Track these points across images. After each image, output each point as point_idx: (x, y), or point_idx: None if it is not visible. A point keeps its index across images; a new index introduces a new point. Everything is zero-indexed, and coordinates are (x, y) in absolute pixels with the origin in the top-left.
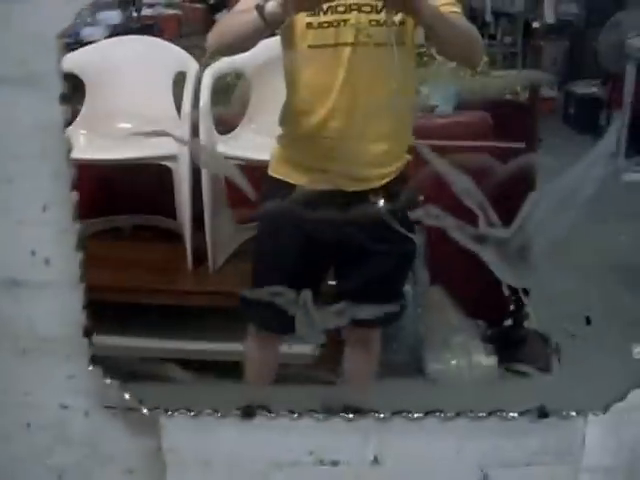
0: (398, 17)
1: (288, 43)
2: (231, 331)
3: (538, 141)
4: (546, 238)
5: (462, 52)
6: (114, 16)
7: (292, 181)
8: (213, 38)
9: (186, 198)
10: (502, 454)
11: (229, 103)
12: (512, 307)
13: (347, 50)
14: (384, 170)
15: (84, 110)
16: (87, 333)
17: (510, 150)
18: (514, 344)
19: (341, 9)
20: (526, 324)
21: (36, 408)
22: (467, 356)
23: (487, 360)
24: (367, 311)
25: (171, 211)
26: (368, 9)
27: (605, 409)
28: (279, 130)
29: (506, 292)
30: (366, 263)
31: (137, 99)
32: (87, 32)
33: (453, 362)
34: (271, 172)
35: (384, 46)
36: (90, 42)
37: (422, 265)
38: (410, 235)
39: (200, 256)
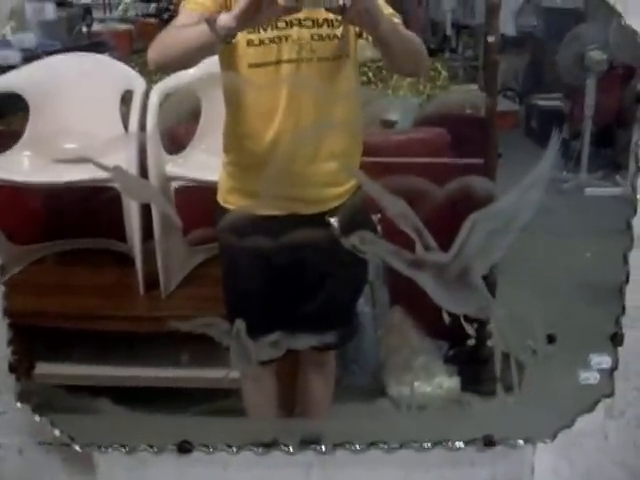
0: (340, 30)
1: (227, 62)
2: (184, 357)
3: (498, 156)
4: (486, 262)
5: (411, 64)
6: (30, 38)
7: (243, 209)
8: (156, 52)
9: (135, 221)
10: None
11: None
12: (474, 326)
13: (290, 67)
14: (338, 190)
15: (28, 131)
16: (12, 369)
17: (468, 166)
18: (477, 363)
19: (282, 25)
20: (489, 343)
21: None
22: (429, 377)
23: (449, 381)
24: (302, 341)
25: (121, 234)
26: (309, 24)
27: (553, 436)
28: (224, 157)
29: (447, 319)
30: (320, 286)
31: (83, 119)
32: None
33: (415, 384)
34: (221, 202)
35: (328, 61)
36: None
37: (382, 285)
38: (363, 257)
39: (152, 280)
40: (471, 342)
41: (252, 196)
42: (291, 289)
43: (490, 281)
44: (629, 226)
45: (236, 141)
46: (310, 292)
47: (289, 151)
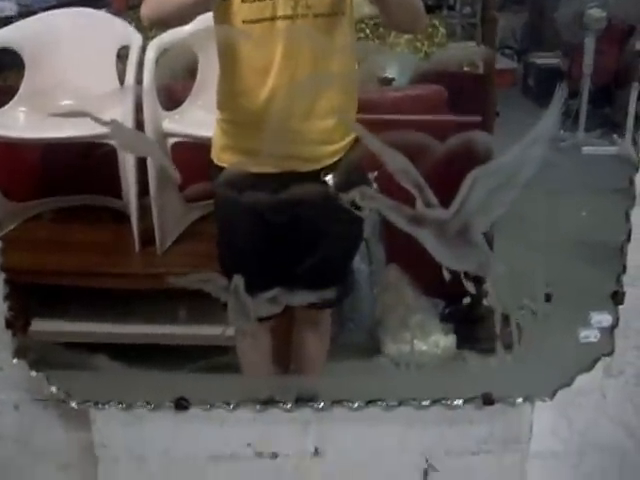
0: None
1: (221, 19)
2: (181, 314)
3: (495, 114)
4: (487, 219)
5: (408, 20)
6: None
7: (238, 167)
8: (149, 9)
9: (131, 177)
10: (447, 443)
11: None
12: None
13: (285, 23)
14: (334, 147)
15: (23, 87)
16: (9, 325)
17: (466, 124)
18: (472, 322)
19: None
20: (485, 301)
21: None
22: (425, 336)
23: (445, 339)
24: (301, 297)
25: (117, 191)
26: None
27: (552, 395)
28: (218, 114)
29: (447, 276)
30: (315, 243)
31: (79, 74)
32: None
33: (411, 342)
34: (215, 159)
35: (323, 17)
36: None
37: (378, 243)
38: (359, 214)
39: (148, 237)
40: (467, 300)
41: (247, 153)
42: (286, 247)
43: (487, 239)
44: (631, 183)
45: (230, 98)
46: (305, 250)
47: (284, 108)
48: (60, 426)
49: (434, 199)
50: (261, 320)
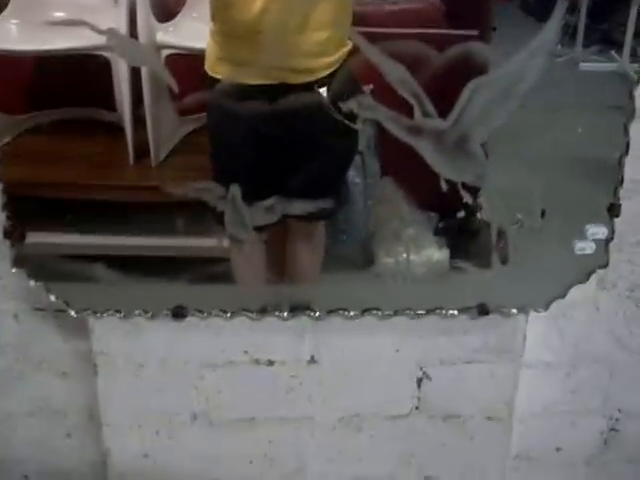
0: None
1: None
2: (175, 226)
3: (492, 29)
4: (485, 129)
5: None
6: None
7: (231, 79)
8: None
9: (125, 89)
10: (442, 352)
11: None
12: (464, 199)
13: None
14: (328, 59)
15: None
16: (7, 234)
17: (462, 38)
18: (466, 236)
19: None
20: (479, 215)
21: None
22: (419, 249)
23: (439, 253)
24: (298, 207)
25: (111, 103)
26: None
27: (546, 306)
28: (211, 25)
29: (444, 187)
30: (309, 157)
31: None
32: None
33: (404, 255)
34: (209, 71)
35: None
36: None
37: (373, 156)
38: (353, 126)
39: (142, 150)
40: (461, 214)
41: (240, 65)
42: (280, 159)
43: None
44: (630, 97)
45: (223, 9)
46: (299, 161)
47: (277, 20)
48: (59, 335)
49: (432, 109)
50: (256, 230)
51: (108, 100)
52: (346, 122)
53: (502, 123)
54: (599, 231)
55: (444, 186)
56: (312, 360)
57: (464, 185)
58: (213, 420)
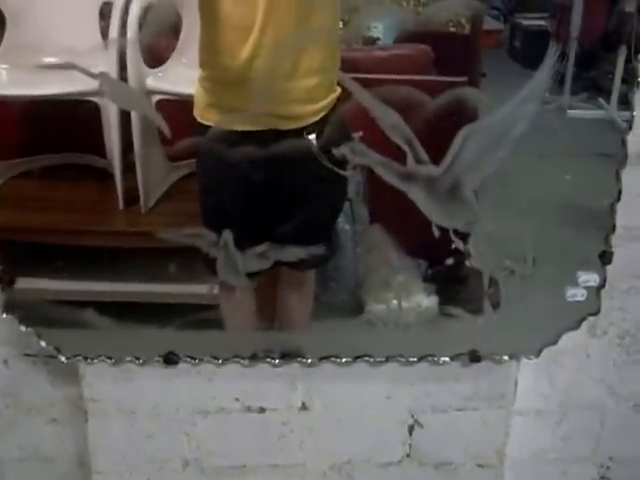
0: None
1: None
2: (164, 272)
3: (481, 75)
4: (477, 176)
5: None
6: None
7: (220, 125)
8: None
9: (115, 135)
10: (433, 399)
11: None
12: (453, 246)
13: None
14: (317, 105)
15: (5, 43)
16: None
17: (452, 84)
18: (455, 283)
19: None
20: (468, 263)
21: None
22: (408, 296)
23: (428, 300)
24: (291, 253)
25: (101, 149)
26: None
27: (538, 353)
28: (200, 72)
29: (436, 233)
30: (299, 204)
31: (62, 32)
32: None
33: (394, 302)
34: (198, 118)
35: None
36: None
37: (361, 203)
38: (342, 173)
39: (132, 196)
40: (450, 262)
41: (229, 111)
42: (270, 205)
43: None
44: (623, 144)
45: (212, 56)
46: (290, 208)
47: (266, 67)
48: (49, 381)
49: (425, 155)
50: (248, 277)
51: (98, 146)
52: (335, 169)
53: (494, 169)
54: (590, 278)
55: (436, 232)
56: (303, 407)
57: (455, 231)
58: (204, 467)
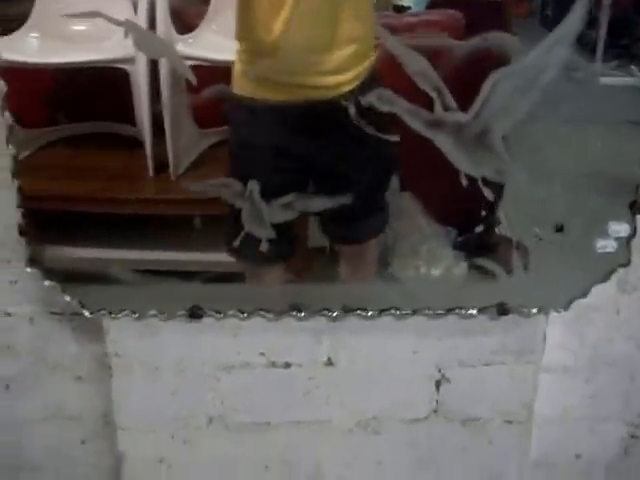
0: None
1: None
2: (193, 240)
3: None
4: (506, 122)
5: None
6: None
7: (258, 97)
8: None
9: (145, 102)
10: (460, 354)
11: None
12: (484, 213)
13: None
14: (352, 74)
15: (35, 11)
16: (22, 233)
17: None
18: (485, 251)
19: None
20: (497, 230)
21: None
22: (436, 263)
23: (457, 268)
24: (318, 203)
25: (131, 117)
26: None
27: (567, 306)
28: (237, 45)
29: (464, 182)
30: (345, 174)
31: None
32: None
33: (422, 270)
34: (235, 89)
35: None
36: None
37: None
38: (384, 137)
39: (161, 163)
40: (480, 229)
41: (265, 83)
42: (315, 182)
43: None
44: None
45: (247, 29)
46: (335, 183)
47: (300, 39)
48: (74, 339)
49: (453, 102)
50: (275, 260)
51: (128, 114)
52: (376, 133)
53: (523, 116)
54: (621, 229)
55: (464, 182)
56: (329, 362)
57: (485, 182)
58: (229, 424)
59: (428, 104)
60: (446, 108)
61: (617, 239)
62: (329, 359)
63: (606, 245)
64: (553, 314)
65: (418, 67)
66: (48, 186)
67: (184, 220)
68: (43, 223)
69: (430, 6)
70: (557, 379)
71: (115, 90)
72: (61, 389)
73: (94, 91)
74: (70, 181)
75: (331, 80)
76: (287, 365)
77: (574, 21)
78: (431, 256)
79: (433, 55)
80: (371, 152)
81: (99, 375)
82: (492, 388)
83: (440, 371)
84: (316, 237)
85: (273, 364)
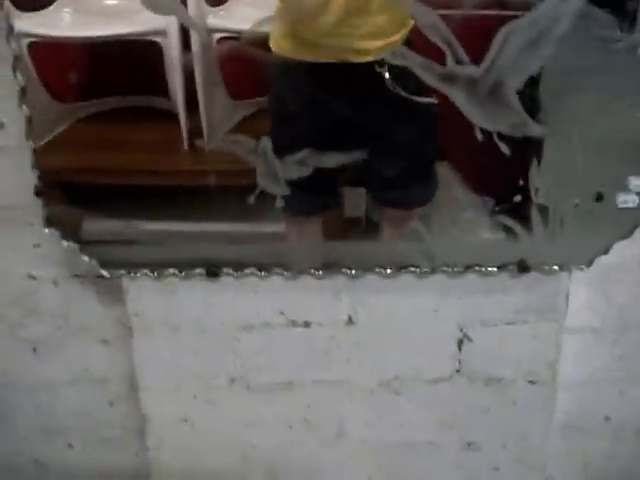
0: None
1: None
2: (232, 210)
3: None
4: (520, 76)
5: None
6: None
7: (294, 56)
8: None
9: (178, 75)
10: (482, 312)
11: None
12: (521, 182)
13: None
14: (389, 40)
15: None
16: (39, 193)
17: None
18: (522, 220)
19: None
20: (535, 199)
21: (3, 280)
22: (474, 233)
23: (494, 237)
24: (331, 159)
25: (165, 90)
26: None
27: (589, 263)
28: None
29: (479, 136)
30: (386, 141)
31: None
32: None
33: (460, 239)
34: (272, 45)
35: None
36: None
37: None
38: (426, 100)
39: (196, 135)
40: (517, 199)
41: (302, 43)
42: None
43: (538, 141)
44: None
45: None
46: (378, 149)
47: (341, 5)
48: (98, 301)
49: (465, 56)
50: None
51: (162, 87)
52: (413, 98)
53: (536, 70)
54: None
55: (479, 136)
56: (350, 321)
57: (500, 136)
58: (250, 384)
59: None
60: (458, 61)
61: (639, 194)
62: (350, 318)
63: (627, 200)
64: (577, 273)
65: (428, 20)
66: (84, 159)
67: (216, 191)
68: (79, 196)
69: None
70: (584, 340)
71: (149, 63)
72: (87, 352)
73: (128, 65)
74: (105, 154)
75: (367, 44)
76: (307, 324)
77: None
78: (469, 225)
79: (443, 7)
80: (410, 116)
81: (123, 337)
82: (515, 348)
83: (462, 330)
84: (352, 207)
85: (293, 323)
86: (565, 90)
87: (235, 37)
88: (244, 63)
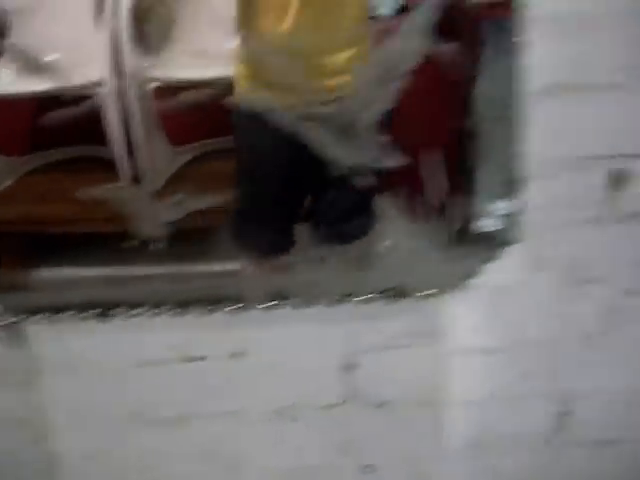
0: None
1: None
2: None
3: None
4: (370, 112)
5: None
6: None
7: (255, 96)
8: None
9: (116, 126)
10: (365, 339)
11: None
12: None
13: None
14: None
15: (9, 44)
16: None
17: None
18: None
19: None
20: None
21: None
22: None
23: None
24: (204, 201)
25: (105, 140)
26: None
27: (464, 286)
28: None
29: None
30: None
31: (62, 28)
32: None
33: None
34: (236, 89)
35: None
36: None
37: None
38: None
39: (137, 182)
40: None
41: (266, 85)
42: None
43: None
44: None
45: (249, 33)
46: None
47: (303, 43)
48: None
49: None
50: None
51: (102, 136)
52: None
53: (386, 106)
54: (502, 206)
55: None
56: (239, 354)
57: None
58: (150, 419)
59: None
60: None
61: (499, 217)
62: (237, 351)
63: (486, 225)
64: (462, 296)
65: None
66: (33, 211)
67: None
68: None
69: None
70: (481, 360)
71: (90, 115)
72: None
73: (70, 117)
74: (51, 205)
75: (332, 82)
76: (199, 358)
77: (422, 13)
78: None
79: None
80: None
81: (29, 379)
82: (401, 372)
83: (347, 357)
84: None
85: (185, 358)
86: None
87: (172, 86)
88: (182, 110)
